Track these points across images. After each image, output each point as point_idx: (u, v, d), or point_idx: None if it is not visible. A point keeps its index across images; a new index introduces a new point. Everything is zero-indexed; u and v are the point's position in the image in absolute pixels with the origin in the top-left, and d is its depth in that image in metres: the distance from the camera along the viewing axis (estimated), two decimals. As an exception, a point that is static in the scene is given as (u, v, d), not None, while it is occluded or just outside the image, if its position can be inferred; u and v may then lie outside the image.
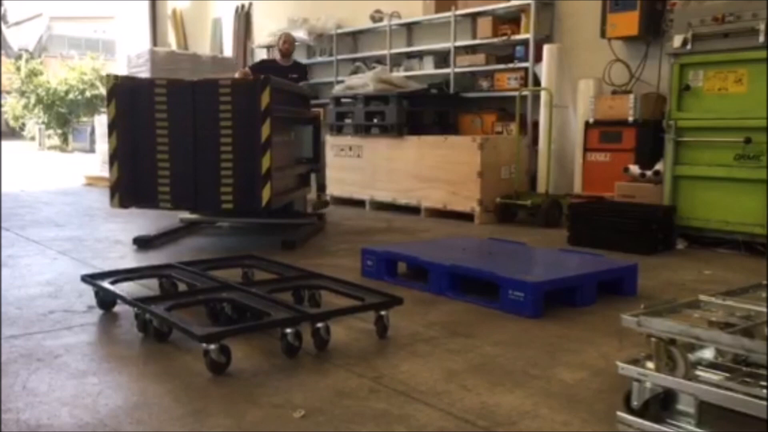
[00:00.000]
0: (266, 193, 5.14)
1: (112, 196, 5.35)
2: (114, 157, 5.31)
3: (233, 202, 5.27)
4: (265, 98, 5.13)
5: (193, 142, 5.28)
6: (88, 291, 3.75)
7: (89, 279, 3.68)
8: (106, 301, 3.57)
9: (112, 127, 5.30)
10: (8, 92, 36.56)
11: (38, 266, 4.78)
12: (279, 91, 5.66)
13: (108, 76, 5.40)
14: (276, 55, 8.76)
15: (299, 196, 6.75)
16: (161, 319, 3.03)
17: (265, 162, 5.12)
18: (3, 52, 40.32)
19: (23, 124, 35.10)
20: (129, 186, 5.35)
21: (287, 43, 7.86)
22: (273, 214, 5.97)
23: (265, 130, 5.12)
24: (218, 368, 2.68)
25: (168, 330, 3.07)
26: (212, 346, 2.67)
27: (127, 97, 5.30)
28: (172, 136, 5.26)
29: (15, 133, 35.70)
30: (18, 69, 36.45)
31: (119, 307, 3.56)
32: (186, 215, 6.32)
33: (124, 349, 3.02)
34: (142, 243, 5.55)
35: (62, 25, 41.67)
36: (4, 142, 29.93)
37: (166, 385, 2.60)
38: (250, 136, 5.17)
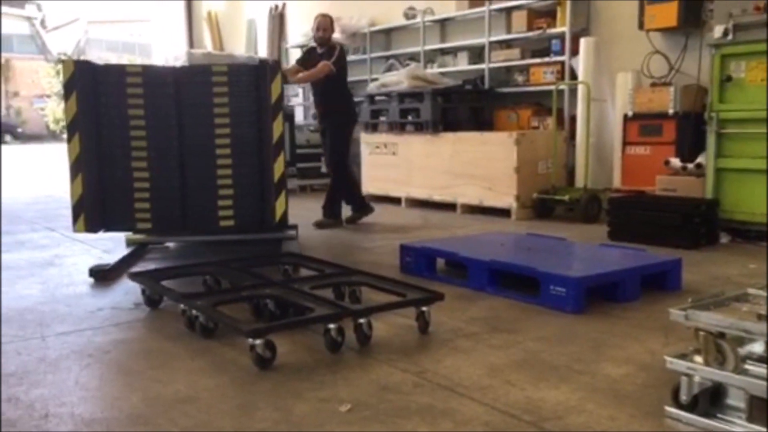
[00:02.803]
0: (280, 206, 4.32)
1: (75, 219, 4.24)
2: (77, 168, 4.17)
3: (235, 219, 4.35)
4: (276, 88, 4.26)
5: (179, 145, 4.28)
6: (135, 288, 3.83)
7: (136, 277, 3.77)
8: (152, 298, 3.65)
9: (72, 128, 4.16)
10: (48, 96, 37.47)
11: (85, 265, 4.87)
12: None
13: (65, 61, 4.25)
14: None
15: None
16: (208, 315, 3.09)
17: (278, 167, 4.29)
18: (43, 56, 41.28)
19: (64, 127, 35.86)
20: (97, 204, 4.25)
21: (318, 30, 6.60)
22: (241, 229, 4.81)
23: (278, 128, 4.26)
24: (264, 363, 2.72)
25: (214, 326, 3.12)
26: (258, 341, 2.71)
27: (92, 90, 4.20)
28: (151, 138, 4.25)
29: (55, 136, 36.54)
30: (57, 73, 37.30)
31: (165, 304, 3.63)
32: (132, 235, 5.10)
33: (171, 345, 3.08)
34: (100, 276, 4.32)
35: (99, 28, 42.47)
36: (45, 146, 30.63)
37: (213, 379, 2.65)
38: (255, 136, 4.30)
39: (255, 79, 4.27)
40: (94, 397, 2.53)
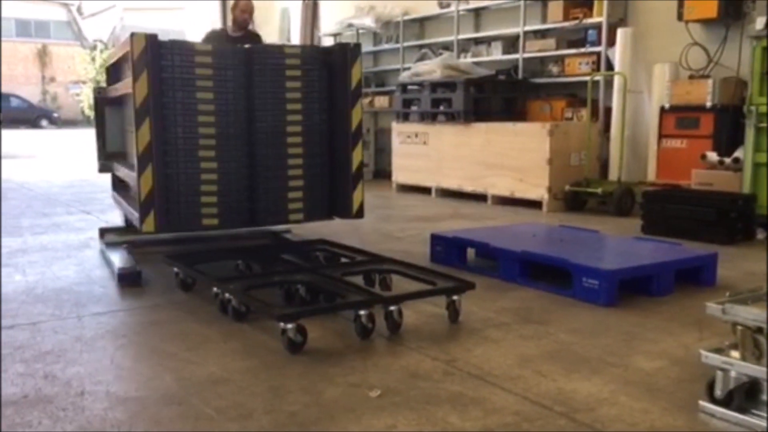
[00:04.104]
0: (358, 196, 4.14)
1: (143, 216, 3.73)
2: (147, 159, 3.68)
3: (304, 212, 4.14)
4: (356, 73, 4.04)
5: (248, 132, 3.94)
6: (169, 271, 3.88)
7: (169, 260, 3.81)
8: (185, 282, 3.69)
9: (143, 112, 3.65)
10: (84, 82, 38.03)
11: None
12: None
13: (136, 35, 3.66)
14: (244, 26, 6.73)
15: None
16: (240, 299, 3.12)
17: (356, 156, 4.09)
18: (79, 42, 41.90)
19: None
20: (165, 200, 3.81)
21: (245, 12, 6.40)
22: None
23: (356, 115, 4.06)
24: (295, 347, 2.74)
25: (246, 309, 3.15)
26: (290, 326, 2.73)
27: (159, 69, 3.72)
28: (220, 125, 3.86)
29: (90, 122, 37.09)
30: (93, 59, 37.87)
31: (198, 287, 3.68)
32: (113, 237, 4.81)
33: (204, 328, 3.12)
34: (130, 279, 3.90)
35: (135, 15, 42.89)
36: (80, 130, 31.14)
37: (245, 362, 2.68)
38: (327, 123, 4.11)
39: (328, 63, 4.09)
40: (129, 376, 2.58)
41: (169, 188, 3.79)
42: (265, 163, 4.01)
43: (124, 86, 4.11)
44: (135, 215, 3.92)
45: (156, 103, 3.69)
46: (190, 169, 3.83)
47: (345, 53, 4.06)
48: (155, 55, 3.68)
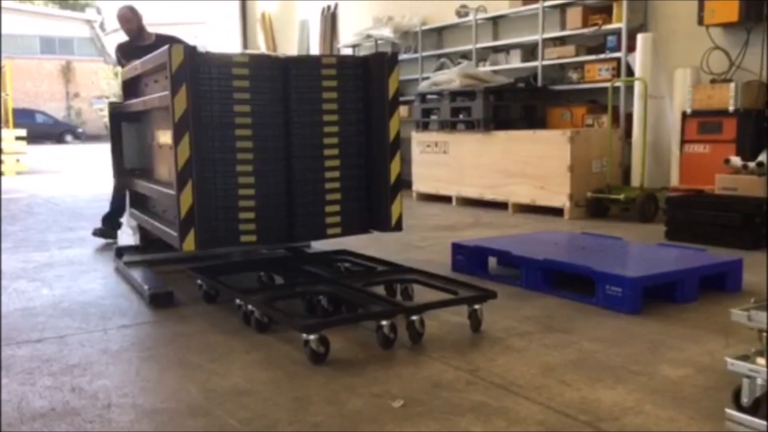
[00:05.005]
0: (396, 209, 4.05)
1: (183, 235, 3.60)
2: (186, 175, 3.55)
3: (342, 226, 4.03)
4: (393, 82, 3.95)
5: (285, 145, 3.83)
6: (190, 285, 3.92)
7: (193, 272, 3.85)
8: (209, 293, 3.72)
9: (182, 127, 3.53)
10: (107, 97, 38.58)
11: (143, 261, 5.01)
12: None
13: (174, 48, 3.57)
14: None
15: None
16: (263, 310, 3.14)
17: (395, 167, 4.01)
18: (102, 58, 42.52)
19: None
20: (205, 217, 3.66)
21: (125, 22, 6.15)
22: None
23: (394, 126, 3.98)
24: (318, 358, 2.76)
25: (268, 321, 3.17)
26: (312, 337, 2.75)
27: (197, 83, 3.60)
28: (257, 139, 3.75)
29: (114, 136, 37.52)
30: (116, 75, 38.40)
31: (221, 299, 3.71)
32: (132, 257, 4.73)
33: (227, 339, 3.15)
34: (163, 300, 3.78)
35: (156, 31, 43.48)
36: (104, 145, 31.57)
37: (269, 373, 2.70)
38: (363, 134, 4.04)
39: (363, 73, 4.03)
40: (155, 388, 2.61)
41: (207, 205, 3.67)
42: (302, 176, 3.90)
43: (158, 100, 3.99)
44: (172, 234, 3.82)
45: (195, 117, 3.59)
46: (228, 185, 3.72)
47: (382, 63, 3.96)
48: (194, 68, 3.58)
